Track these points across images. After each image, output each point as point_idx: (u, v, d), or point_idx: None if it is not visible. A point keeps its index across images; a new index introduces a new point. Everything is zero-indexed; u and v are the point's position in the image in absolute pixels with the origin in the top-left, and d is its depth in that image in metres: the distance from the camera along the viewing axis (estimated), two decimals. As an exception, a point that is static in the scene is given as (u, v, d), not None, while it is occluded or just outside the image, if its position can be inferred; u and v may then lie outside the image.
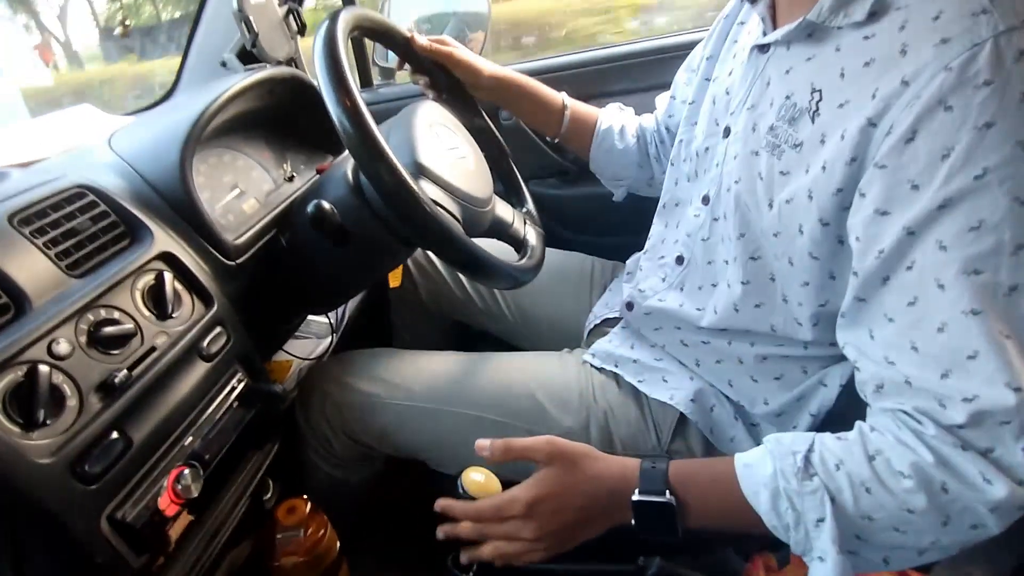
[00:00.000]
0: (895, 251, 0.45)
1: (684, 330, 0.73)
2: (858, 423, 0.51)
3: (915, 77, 0.44)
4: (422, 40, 0.85)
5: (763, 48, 0.60)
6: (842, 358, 0.63)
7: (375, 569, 0.95)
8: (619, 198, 1.01)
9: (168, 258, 0.62)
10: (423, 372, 0.81)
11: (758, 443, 0.69)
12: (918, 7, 0.45)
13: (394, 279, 0.98)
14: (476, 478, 0.64)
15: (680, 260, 0.74)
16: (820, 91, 0.52)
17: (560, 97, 0.94)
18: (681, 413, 0.71)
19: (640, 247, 0.86)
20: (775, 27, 0.60)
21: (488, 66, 0.88)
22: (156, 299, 0.59)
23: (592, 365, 0.78)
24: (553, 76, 1.16)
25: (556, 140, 0.97)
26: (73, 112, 0.98)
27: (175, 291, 0.61)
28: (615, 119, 0.94)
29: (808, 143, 0.53)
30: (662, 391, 0.73)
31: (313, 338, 0.99)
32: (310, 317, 0.98)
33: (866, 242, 0.47)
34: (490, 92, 0.90)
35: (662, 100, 0.92)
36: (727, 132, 0.66)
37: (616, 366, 0.77)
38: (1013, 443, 0.42)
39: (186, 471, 0.56)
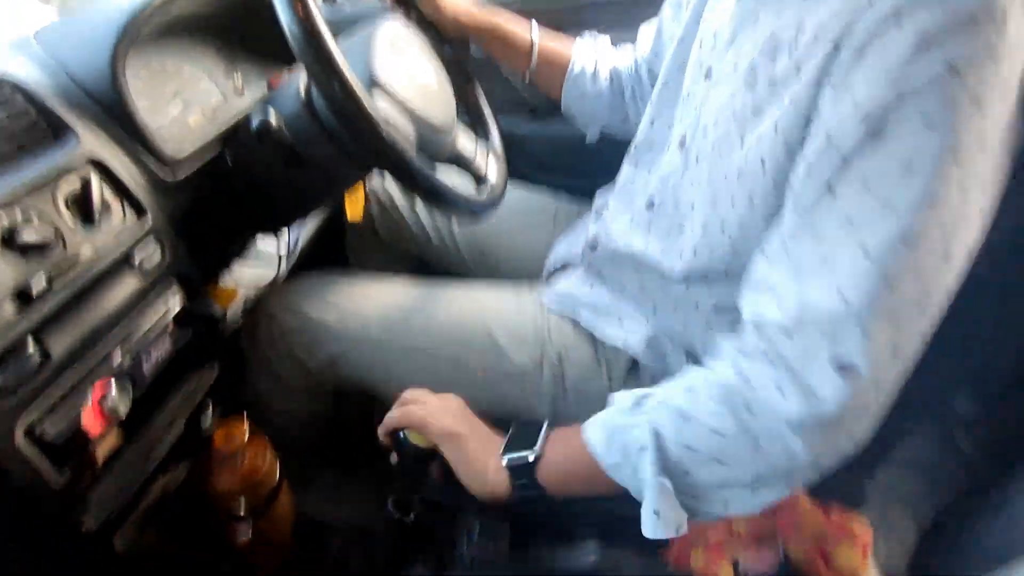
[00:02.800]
0: (810, 164, 0.46)
1: (644, 274, 0.72)
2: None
3: None
4: None
5: None
6: None
7: (319, 500, 0.95)
8: (592, 139, 0.98)
9: (97, 165, 0.58)
10: (377, 300, 0.79)
11: None
12: None
13: (353, 212, 0.94)
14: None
15: (650, 204, 0.72)
16: (802, 24, 0.49)
17: (529, 34, 0.89)
18: (634, 358, 0.71)
19: (603, 183, 0.84)
20: None
21: (451, 2, 0.84)
22: (82, 206, 0.55)
23: (549, 304, 0.77)
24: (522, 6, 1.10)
25: (526, 79, 0.93)
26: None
27: (103, 200, 0.57)
28: (588, 58, 0.90)
29: (783, 76, 0.51)
30: (616, 334, 0.72)
31: (263, 266, 0.95)
32: (260, 245, 0.94)
33: (806, 167, 0.47)
34: (458, 28, 0.86)
35: (646, 35, 0.88)
36: (709, 74, 0.63)
37: (574, 306, 0.76)
38: (824, 354, 0.43)
39: (113, 388, 0.53)
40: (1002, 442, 0.43)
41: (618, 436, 0.52)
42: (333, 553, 0.81)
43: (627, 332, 0.71)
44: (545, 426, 0.60)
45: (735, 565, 0.58)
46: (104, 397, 0.52)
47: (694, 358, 0.70)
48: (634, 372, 0.72)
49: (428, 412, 0.62)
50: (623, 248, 0.72)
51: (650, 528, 0.50)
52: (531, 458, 0.56)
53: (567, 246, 0.85)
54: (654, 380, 0.70)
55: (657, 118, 0.76)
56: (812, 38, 0.48)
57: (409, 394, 0.65)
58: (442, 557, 0.67)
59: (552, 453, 0.57)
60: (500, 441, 0.61)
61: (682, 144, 0.67)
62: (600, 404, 0.73)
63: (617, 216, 0.77)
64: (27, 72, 0.61)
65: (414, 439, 0.63)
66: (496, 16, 0.88)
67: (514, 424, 0.62)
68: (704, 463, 0.49)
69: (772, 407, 0.45)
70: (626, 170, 0.80)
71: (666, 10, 0.83)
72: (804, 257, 0.45)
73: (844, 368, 0.43)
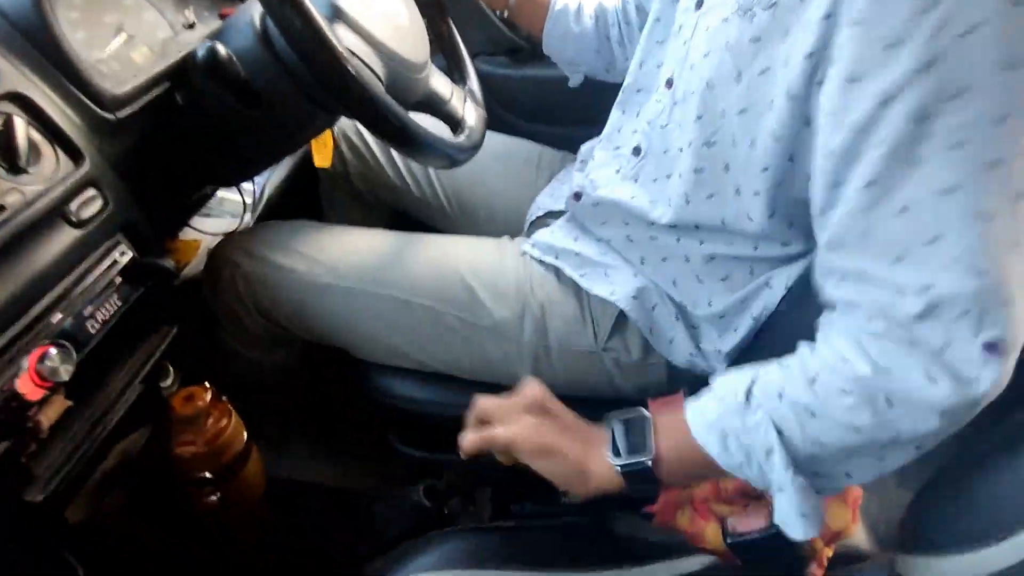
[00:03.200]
0: (865, 123, 0.40)
1: (632, 225, 0.68)
2: (801, 345, 0.48)
3: None
4: None
5: None
6: (790, 260, 0.59)
7: (290, 460, 0.92)
8: (575, 84, 0.92)
9: (19, 100, 0.51)
10: (348, 249, 0.74)
11: (698, 346, 0.67)
12: None
13: (321, 158, 0.88)
14: None
15: (637, 151, 0.68)
16: None
17: None
18: (621, 311, 0.68)
19: (597, 135, 0.78)
20: None
21: None
22: (5, 149, 0.49)
23: (532, 256, 0.73)
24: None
25: (505, 14, 0.86)
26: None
27: (30, 141, 0.51)
28: None
29: (785, 5, 0.46)
30: (603, 286, 0.69)
31: (227, 217, 0.89)
32: (223, 193, 0.88)
33: (835, 115, 0.42)
34: None
35: None
36: (700, 3, 0.58)
37: (557, 258, 0.72)
38: (971, 336, 0.38)
39: (52, 351, 0.49)
40: (995, 405, 0.41)
41: (736, 439, 0.47)
42: (309, 516, 0.79)
43: (614, 284, 0.68)
44: (649, 420, 0.52)
45: (723, 524, 0.56)
46: (42, 360, 0.48)
47: (683, 312, 0.67)
48: (621, 327, 0.68)
49: (514, 433, 0.51)
50: (609, 198, 0.68)
51: (800, 531, 0.46)
52: (648, 462, 0.50)
53: (550, 196, 0.80)
54: (641, 334, 0.68)
55: (647, 59, 0.71)
56: None
57: (482, 407, 0.55)
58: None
59: (666, 451, 0.50)
60: (598, 437, 0.53)
61: (669, 83, 0.62)
62: (586, 360, 0.70)
63: (603, 165, 0.72)
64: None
65: (500, 457, 0.56)
66: None
67: (609, 420, 0.54)
68: (834, 454, 0.45)
69: (919, 396, 0.40)
70: (614, 116, 0.75)
71: None
72: (903, 239, 0.40)
73: (991, 345, 0.38)
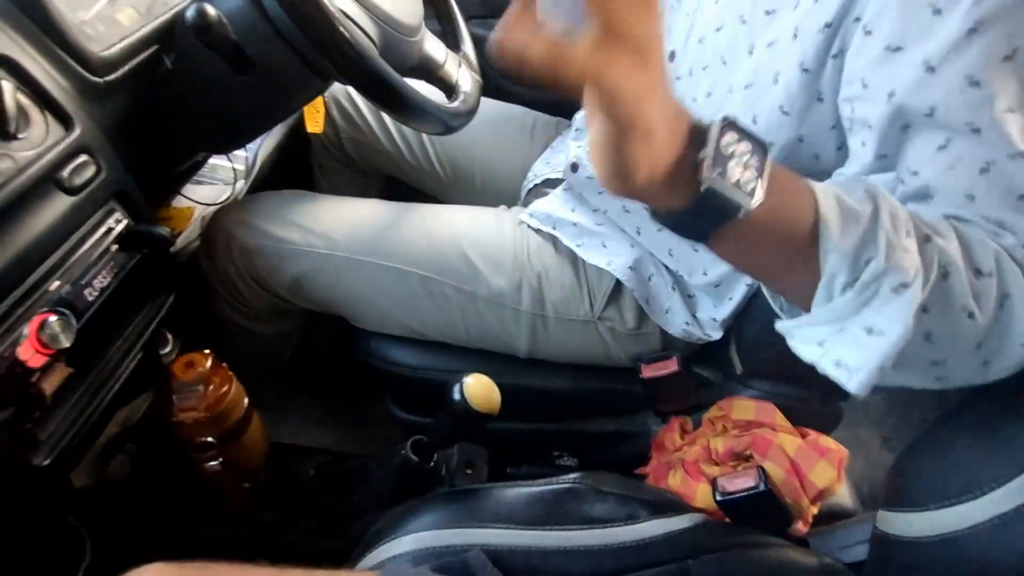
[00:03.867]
0: (912, 91, 0.39)
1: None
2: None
3: None
4: None
5: None
6: None
7: (291, 425, 0.94)
8: None
9: (6, 64, 0.50)
10: (345, 219, 0.74)
11: (694, 315, 0.68)
12: None
13: (313, 123, 0.87)
14: (477, 385, 0.59)
15: None
16: None
17: None
18: (617, 280, 0.68)
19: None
20: None
21: None
22: (-6, 113, 0.48)
23: (529, 226, 0.73)
24: None
25: None
26: None
27: (19, 106, 0.49)
28: None
29: None
30: (600, 256, 0.69)
31: (220, 184, 0.88)
32: (215, 161, 0.87)
33: (875, 87, 0.41)
34: None
35: None
36: None
37: (554, 228, 0.72)
38: None
39: (52, 318, 0.49)
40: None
41: (874, 245, 0.34)
42: (306, 477, 0.80)
43: (611, 255, 0.68)
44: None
45: (713, 484, 0.58)
46: (42, 327, 0.48)
47: (679, 282, 0.68)
48: (617, 295, 0.69)
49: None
50: None
51: (866, 382, 0.35)
52: (753, 204, 0.32)
53: (546, 164, 0.80)
54: (637, 304, 0.69)
55: None
56: None
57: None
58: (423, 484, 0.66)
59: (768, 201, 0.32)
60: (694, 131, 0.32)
61: (672, 57, 0.61)
62: (581, 329, 0.71)
63: None
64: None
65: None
66: None
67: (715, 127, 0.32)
68: (951, 343, 0.37)
69: None
70: None
71: None
72: (989, 191, 0.38)
73: None
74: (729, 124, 0.31)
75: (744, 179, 0.31)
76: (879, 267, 0.33)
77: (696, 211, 0.32)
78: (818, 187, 0.34)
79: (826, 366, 0.37)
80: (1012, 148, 0.37)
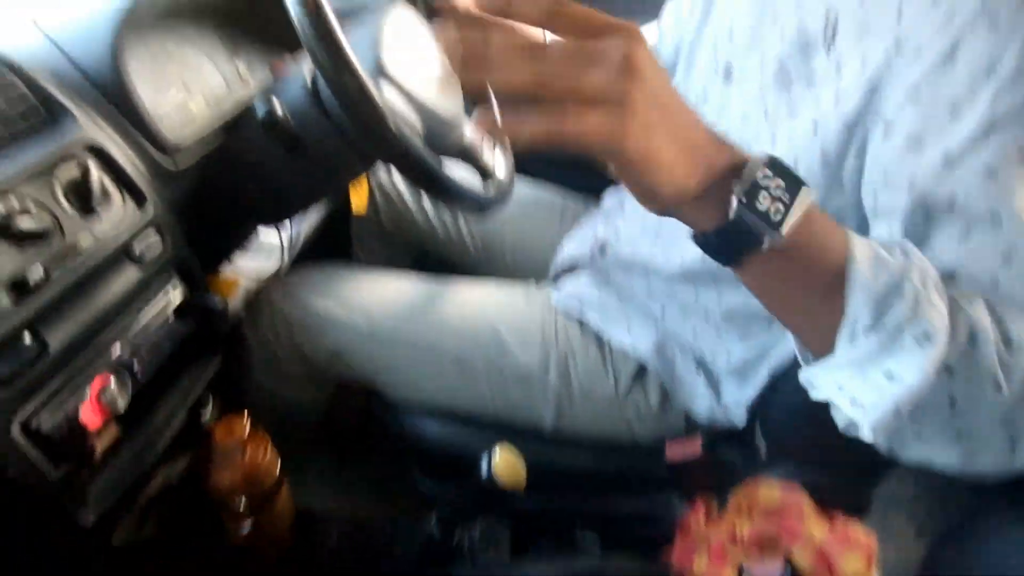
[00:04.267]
0: (933, 184, 0.41)
1: (653, 278, 0.70)
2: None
3: None
4: None
5: None
6: None
7: (317, 494, 0.94)
8: None
9: (95, 151, 0.56)
10: (383, 294, 0.78)
11: (718, 397, 0.69)
12: None
13: (358, 205, 0.93)
14: (504, 461, 0.60)
15: None
16: (836, 16, 0.48)
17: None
18: (642, 363, 0.70)
19: (616, 185, 0.82)
20: None
21: None
22: (80, 194, 0.53)
23: (557, 304, 0.76)
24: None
25: None
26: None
27: (103, 187, 0.55)
28: None
29: (821, 74, 0.49)
30: (625, 338, 0.71)
31: (264, 255, 0.94)
32: (262, 236, 0.93)
33: (897, 178, 0.43)
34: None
35: (649, 36, 0.86)
36: (728, 74, 0.61)
37: (581, 309, 0.75)
38: None
39: (112, 381, 0.52)
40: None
41: (902, 298, 0.34)
42: (330, 545, 0.81)
43: (635, 338, 0.71)
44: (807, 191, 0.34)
45: (739, 572, 0.57)
46: (103, 391, 0.51)
47: (704, 366, 0.69)
48: (641, 377, 0.71)
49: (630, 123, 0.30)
50: (630, 252, 0.71)
51: (883, 427, 0.36)
52: (779, 235, 0.33)
53: (575, 246, 0.84)
54: (662, 386, 0.70)
55: None
56: (854, 36, 0.46)
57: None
58: (446, 560, 0.66)
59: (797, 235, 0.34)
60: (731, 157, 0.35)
61: None
62: (606, 407, 0.72)
63: (629, 221, 0.75)
64: (25, 53, 0.59)
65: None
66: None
67: (756, 160, 0.35)
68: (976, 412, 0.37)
69: None
70: None
71: (667, 17, 0.80)
72: (1014, 283, 0.39)
73: None
74: (771, 161, 0.34)
75: (773, 210, 0.33)
76: (904, 314, 0.33)
77: (724, 236, 0.34)
78: (852, 232, 0.36)
79: (843, 403, 0.37)
80: None
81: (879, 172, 0.45)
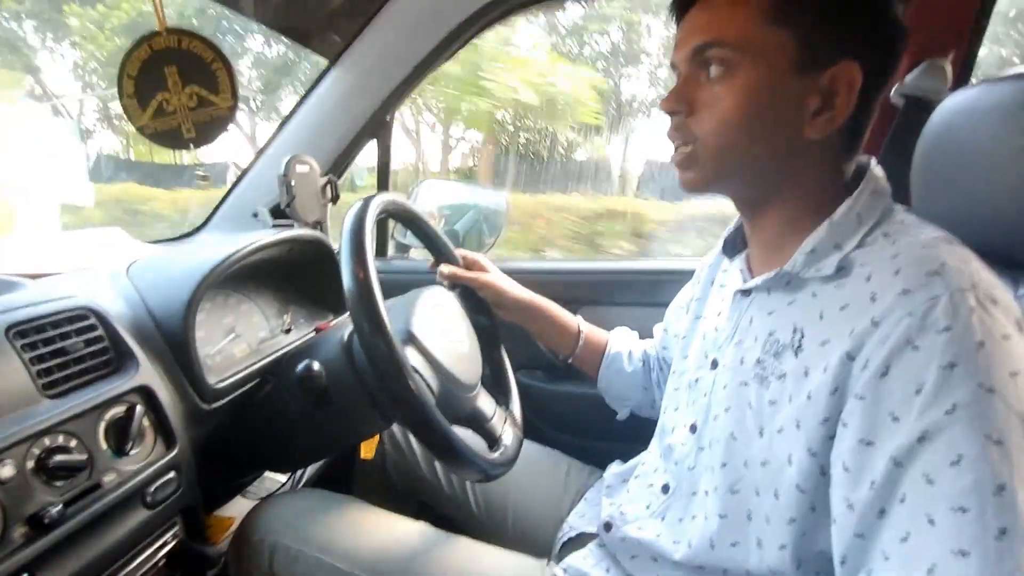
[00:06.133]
0: (886, 481, 0.46)
1: (660, 563, 0.69)
2: None
3: (884, 318, 0.48)
4: (456, 261, 0.93)
5: (745, 292, 0.66)
6: None
7: None
8: (622, 417, 1.01)
9: (145, 392, 0.62)
10: (378, 536, 0.75)
11: None
12: (879, 264, 0.52)
13: (367, 450, 0.95)
14: None
15: (666, 488, 0.73)
16: (802, 330, 0.56)
17: (576, 322, 0.98)
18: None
19: (619, 455, 0.84)
20: (752, 276, 0.66)
21: (512, 289, 0.94)
22: (119, 434, 0.57)
23: (559, 580, 0.73)
24: (564, 278, 1.25)
25: (569, 360, 0.98)
26: (102, 232, 1.04)
27: (140, 427, 0.59)
28: (624, 344, 0.99)
29: (792, 375, 0.55)
30: (631, 629, 0.67)
31: (264, 493, 0.93)
32: (268, 474, 0.94)
33: (856, 472, 0.48)
34: (511, 313, 0.95)
35: (657, 331, 0.98)
36: (715, 364, 0.68)
37: (590, 595, 0.71)
38: None
39: (84, 637, 0.50)
40: None
41: None
42: None
43: (640, 628, 0.66)
44: None
45: None
46: (71, 646, 0.49)
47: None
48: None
49: None
50: (637, 535, 0.71)
51: None
52: None
53: (580, 517, 0.83)
54: None
55: (669, 406, 0.80)
56: (817, 345, 0.53)
57: None
58: None
59: None
60: None
61: (693, 429, 0.69)
62: None
63: (635, 500, 0.76)
64: (112, 302, 0.68)
65: None
66: (546, 302, 0.97)
67: None
68: None
69: None
70: (652, 453, 0.81)
71: (669, 313, 0.93)
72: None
73: None
74: None
75: None
76: None
77: None
78: None
79: None
80: (955, 546, 0.42)
81: (839, 464, 0.50)
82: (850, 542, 0.49)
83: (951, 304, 0.46)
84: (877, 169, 0.59)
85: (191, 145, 0.86)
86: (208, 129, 0.87)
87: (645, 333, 1.01)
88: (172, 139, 0.86)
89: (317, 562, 0.72)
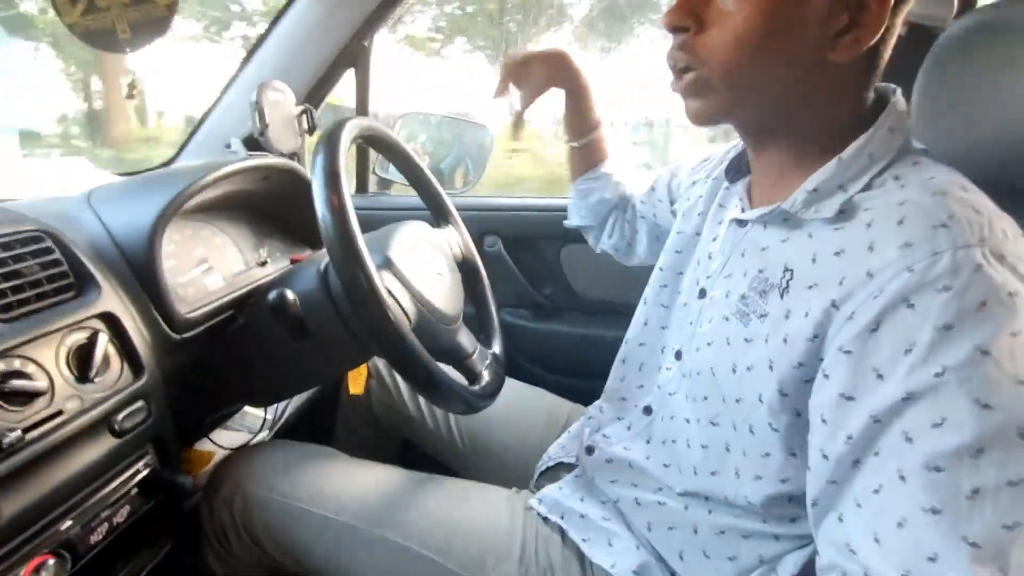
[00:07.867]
0: (863, 437, 0.45)
1: (641, 487, 0.69)
2: None
3: (879, 272, 0.45)
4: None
5: (741, 223, 0.63)
6: (800, 543, 0.59)
7: None
8: (568, 225, 1.01)
9: (109, 319, 0.59)
10: (357, 483, 0.74)
11: None
12: (884, 210, 0.48)
13: (356, 385, 0.93)
14: None
15: (648, 410, 0.72)
16: (792, 271, 0.53)
17: (600, 117, 0.95)
18: (624, 584, 0.65)
19: (602, 392, 0.83)
20: (751, 205, 0.63)
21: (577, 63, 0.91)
22: (81, 360, 0.55)
23: (538, 513, 0.73)
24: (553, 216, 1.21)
25: (573, 145, 0.97)
26: (65, 162, 0.99)
27: (105, 355, 0.57)
28: (618, 171, 0.96)
29: (773, 315, 0.54)
30: (605, 556, 0.67)
31: (245, 431, 0.92)
32: (247, 409, 0.92)
33: (833, 425, 0.47)
34: (562, 79, 0.91)
35: (652, 181, 0.94)
36: (703, 294, 0.67)
37: (562, 518, 0.71)
38: None
39: (50, 562, 0.48)
40: None
41: None
42: None
43: (616, 555, 0.66)
44: None
45: None
46: (37, 572, 0.47)
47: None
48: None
49: None
50: (623, 455, 0.70)
51: None
52: None
53: (561, 448, 0.83)
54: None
55: (651, 319, 0.78)
56: (804, 288, 0.51)
57: None
58: None
59: None
60: None
61: (678, 356, 0.68)
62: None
63: (612, 419, 0.76)
64: (72, 226, 0.64)
65: None
66: (591, 89, 0.93)
67: None
68: None
69: None
70: (616, 369, 0.80)
71: (682, 171, 0.87)
72: (902, 550, 0.42)
73: None
74: None
75: None
76: None
77: None
78: None
79: None
80: (927, 503, 0.41)
81: (817, 414, 0.48)
82: (823, 488, 0.48)
83: (954, 261, 0.43)
84: (900, 101, 0.53)
85: (127, 48, 0.79)
86: (145, 30, 0.80)
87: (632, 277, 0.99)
88: (106, 40, 0.79)
89: (286, 507, 0.71)
